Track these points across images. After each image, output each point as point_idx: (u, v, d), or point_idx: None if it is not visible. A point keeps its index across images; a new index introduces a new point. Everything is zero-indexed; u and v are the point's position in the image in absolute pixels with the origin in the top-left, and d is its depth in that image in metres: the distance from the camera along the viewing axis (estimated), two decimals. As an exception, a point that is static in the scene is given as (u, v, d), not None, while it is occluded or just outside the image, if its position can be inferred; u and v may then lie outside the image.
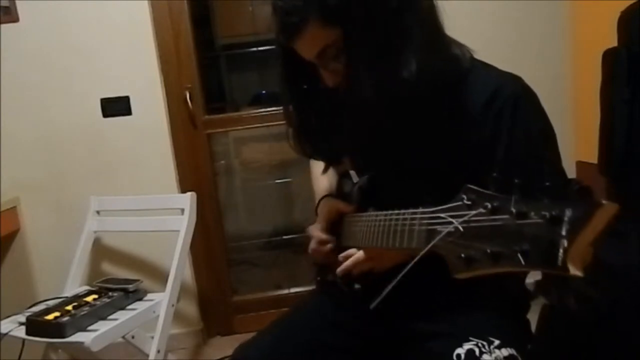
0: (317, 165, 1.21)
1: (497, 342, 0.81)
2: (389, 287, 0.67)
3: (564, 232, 0.45)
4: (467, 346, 0.80)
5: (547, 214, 0.47)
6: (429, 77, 0.78)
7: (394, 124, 0.84)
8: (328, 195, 1.11)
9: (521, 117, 0.81)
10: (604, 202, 0.45)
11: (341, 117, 0.93)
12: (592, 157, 1.43)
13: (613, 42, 1.38)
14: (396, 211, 0.77)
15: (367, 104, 0.82)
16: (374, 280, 0.92)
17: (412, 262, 0.64)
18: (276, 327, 1.03)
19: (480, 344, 0.80)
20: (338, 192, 1.12)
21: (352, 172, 1.11)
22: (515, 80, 0.85)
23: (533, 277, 0.57)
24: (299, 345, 0.98)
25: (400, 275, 0.66)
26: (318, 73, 0.88)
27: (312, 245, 1.06)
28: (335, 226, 1.05)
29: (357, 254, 0.93)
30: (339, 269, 0.95)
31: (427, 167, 0.88)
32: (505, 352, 0.80)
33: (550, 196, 0.48)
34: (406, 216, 0.73)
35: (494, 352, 0.79)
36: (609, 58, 1.39)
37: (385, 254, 0.89)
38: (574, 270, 0.45)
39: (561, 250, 0.45)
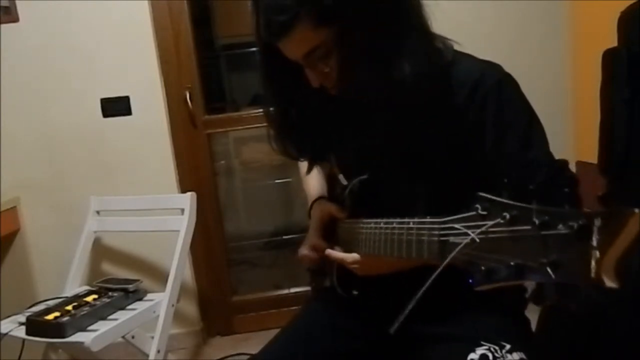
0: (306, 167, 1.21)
1: (508, 346, 0.81)
2: (410, 306, 0.64)
3: (594, 243, 0.43)
4: (479, 351, 0.80)
5: (574, 224, 0.44)
6: (419, 77, 0.78)
7: (385, 123, 0.84)
8: (321, 198, 1.09)
9: (505, 103, 0.82)
10: (635, 210, 0.43)
11: (326, 117, 0.92)
12: (592, 157, 1.43)
13: (613, 42, 1.38)
14: (399, 219, 0.75)
15: (359, 104, 0.82)
16: (373, 286, 0.92)
17: (433, 276, 0.61)
18: (279, 342, 1.01)
19: (492, 349, 0.80)
20: (329, 194, 1.10)
21: (340, 176, 1.10)
22: (495, 68, 0.86)
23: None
24: (305, 358, 0.96)
25: (419, 294, 0.63)
26: (302, 73, 0.86)
27: (303, 251, 1.03)
28: (328, 231, 1.03)
29: (344, 255, 0.92)
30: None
31: (416, 166, 0.87)
32: (516, 356, 0.80)
33: (569, 203, 0.47)
34: (412, 225, 0.71)
35: (506, 356, 0.79)
36: (609, 58, 1.39)
37: (376, 262, 0.88)
38: (609, 282, 0.43)
39: (593, 262, 0.43)
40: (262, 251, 2.82)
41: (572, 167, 2.04)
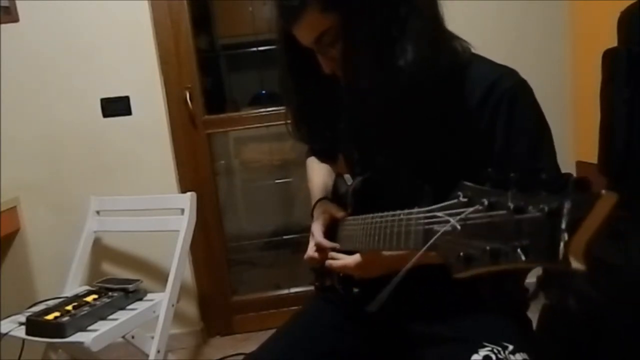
0: (313, 166, 1.20)
1: (511, 347, 0.81)
2: (388, 289, 0.66)
3: (563, 225, 0.43)
4: (482, 352, 0.80)
5: (545, 207, 0.45)
6: (425, 68, 0.78)
7: (390, 115, 0.84)
8: (323, 199, 1.09)
9: (518, 110, 0.82)
10: (603, 192, 0.43)
11: (336, 109, 0.93)
12: (592, 157, 1.43)
13: (613, 42, 1.38)
14: (391, 212, 0.76)
15: (362, 92, 0.83)
16: (373, 284, 0.92)
17: (410, 264, 0.62)
18: (278, 339, 1.01)
19: (495, 350, 0.80)
20: (334, 194, 1.11)
21: (347, 176, 1.10)
22: (512, 73, 0.85)
23: (534, 276, 0.56)
24: (304, 356, 0.96)
25: (399, 277, 0.64)
26: (316, 59, 0.89)
27: (310, 253, 1.03)
28: (330, 230, 1.03)
29: (346, 261, 0.92)
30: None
31: (423, 164, 0.87)
32: (519, 356, 0.80)
33: (547, 189, 0.47)
34: (402, 217, 0.72)
35: (509, 357, 0.79)
36: (609, 58, 1.39)
37: (375, 261, 0.88)
38: (576, 264, 0.43)
39: (562, 244, 0.43)
40: (262, 251, 2.82)
41: (572, 167, 2.04)
